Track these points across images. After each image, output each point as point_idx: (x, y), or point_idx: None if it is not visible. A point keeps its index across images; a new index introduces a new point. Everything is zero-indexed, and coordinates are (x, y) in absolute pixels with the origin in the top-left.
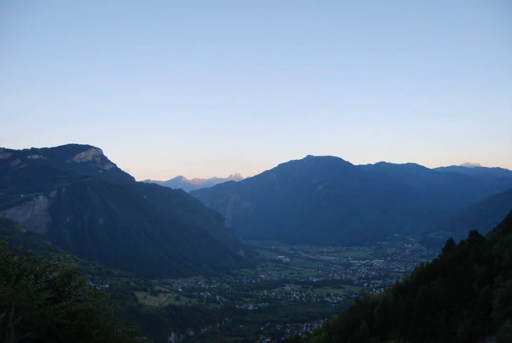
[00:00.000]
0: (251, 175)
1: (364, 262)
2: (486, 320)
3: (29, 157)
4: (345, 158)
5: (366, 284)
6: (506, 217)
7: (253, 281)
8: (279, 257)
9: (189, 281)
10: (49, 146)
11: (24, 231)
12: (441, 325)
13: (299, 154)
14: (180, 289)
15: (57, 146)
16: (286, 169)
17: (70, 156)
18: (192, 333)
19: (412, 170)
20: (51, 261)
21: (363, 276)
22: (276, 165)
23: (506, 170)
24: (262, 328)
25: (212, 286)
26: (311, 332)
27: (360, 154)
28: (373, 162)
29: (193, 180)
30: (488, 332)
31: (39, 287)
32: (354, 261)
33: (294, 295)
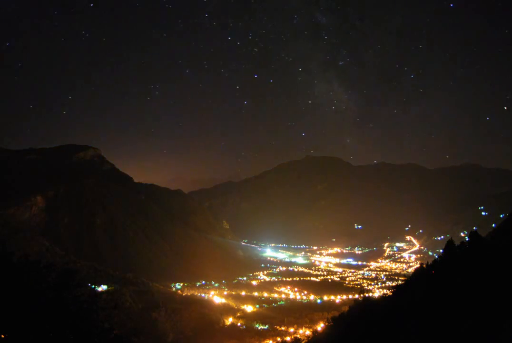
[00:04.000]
0: (250, 175)
1: (364, 262)
2: (487, 321)
3: (26, 157)
4: (345, 159)
5: (366, 284)
6: (506, 217)
7: (253, 282)
8: (278, 257)
9: (187, 282)
10: (47, 146)
11: (22, 231)
12: (441, 326)
13: (298, 155)
14: (179, 290)
15: (55, 147)
16: (286, 169)
17: (68, 157)
18: (190, 334)
19: (412, 170)
20: (50, 262)
21: (364, 276)
22: (275, 165)
23: (506, 170)
24: (261, 330)
25: (210, 287)
26: (310, 333)
27: (359, 155)
28: (372, 163)
29: (191, 180)
30: (489, 333)
31: (39, 288)
32: (354, 262)
33: (294, 296)
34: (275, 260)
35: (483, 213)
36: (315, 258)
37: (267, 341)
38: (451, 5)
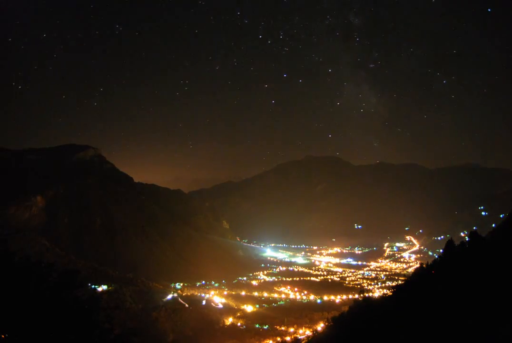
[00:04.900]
0: (250, 176)
1: (364, 262)
2: (487, 322)
3: (26, 157)
4: (345, 159)
5: (366, 284)
6: (506, 217)
7: (253, 282)
8: (278, 257)
9: (187, 282)
10: (47, 146)
11: (22, 231)
12: (441, 326)
13: (298, 155)
14: (179, 290)
15: (55, 147)
16: (286, 169)
17: (68, 157)
18: (190, 334)
19: (412, 170)
20: (50, 262)
21: (364, 276)
22: (275, 165)
23: (506, 170)
24: (261, 330)
25: (210, 287)
26: (310, 333)
27: (359, 154)
28: (373, 163)
29: (191, 180)
30: (489, 333)
31: (40, 288)
32: (354, 262)
33: (294, 296)
34: (275, 260)
35: (483, 213)
36: (315, 258)
37: (267, 341)
38: (489, 10)
